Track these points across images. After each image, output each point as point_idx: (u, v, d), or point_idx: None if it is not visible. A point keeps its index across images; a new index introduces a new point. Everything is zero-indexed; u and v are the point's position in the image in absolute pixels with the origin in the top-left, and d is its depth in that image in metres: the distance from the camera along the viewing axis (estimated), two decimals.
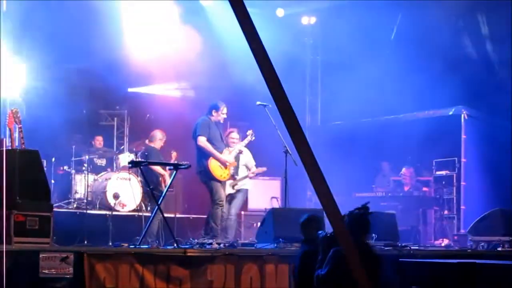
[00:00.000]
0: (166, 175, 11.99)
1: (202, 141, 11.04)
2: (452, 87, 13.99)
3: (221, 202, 11.13)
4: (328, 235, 6.76)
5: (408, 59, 14.10)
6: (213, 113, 11.25)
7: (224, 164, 11.23)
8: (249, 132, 11.86)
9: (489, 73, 14.14)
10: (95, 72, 13.87)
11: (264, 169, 12.39)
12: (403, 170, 14.58)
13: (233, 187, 11.81)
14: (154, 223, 11.11)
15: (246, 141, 11.82)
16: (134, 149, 13.32)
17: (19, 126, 9.68)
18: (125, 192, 12.65)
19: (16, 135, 9.68)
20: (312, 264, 6.78)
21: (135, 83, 15.23)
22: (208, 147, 11.07)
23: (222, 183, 11.30)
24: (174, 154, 12.84)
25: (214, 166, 11.14)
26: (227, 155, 11.39)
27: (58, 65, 13.63)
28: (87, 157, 13.14)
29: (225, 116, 11.40)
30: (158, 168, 11.97)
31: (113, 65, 14.15)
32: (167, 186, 10.85)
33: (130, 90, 15.27)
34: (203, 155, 11.11)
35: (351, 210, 6.77)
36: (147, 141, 12.53)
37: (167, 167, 11.79)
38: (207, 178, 11.14)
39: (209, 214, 11.19)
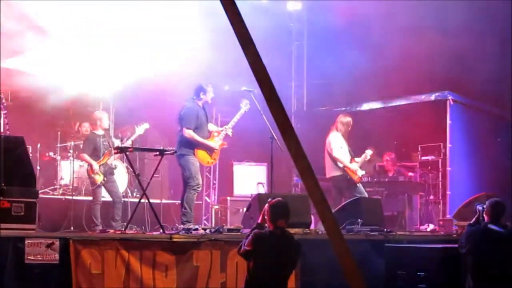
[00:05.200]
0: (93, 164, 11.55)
1: (189, 133, 10.77)
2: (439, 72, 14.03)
3: (199, 188, 10.96)
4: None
5: (395, 44, 14.10)
6: (201, 95, 11.02)
7: (212, 150, 11.07)
8: (245, 101, 11.40)
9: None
10: None
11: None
12: (384, 155, 14.59)
13: None
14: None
15: (239, 115, 11.39)
16: (119, 135, 13.24)
17: (4, 112, 9.64)
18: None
19: (1, 121, 9.64)
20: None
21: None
22: (196, 138, 10.81)
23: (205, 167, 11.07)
24: None
25: (201, 154, 10.94)
26: (216, 139, 11.13)
27: None
28: (72, 143, 13.07)
29: (212, 95, 11.12)
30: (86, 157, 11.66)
31: None
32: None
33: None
34: (189, 143, 10.82)
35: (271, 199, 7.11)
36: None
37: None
38: (188, 162, 10.81)
39: (183, 199, 10.86)
